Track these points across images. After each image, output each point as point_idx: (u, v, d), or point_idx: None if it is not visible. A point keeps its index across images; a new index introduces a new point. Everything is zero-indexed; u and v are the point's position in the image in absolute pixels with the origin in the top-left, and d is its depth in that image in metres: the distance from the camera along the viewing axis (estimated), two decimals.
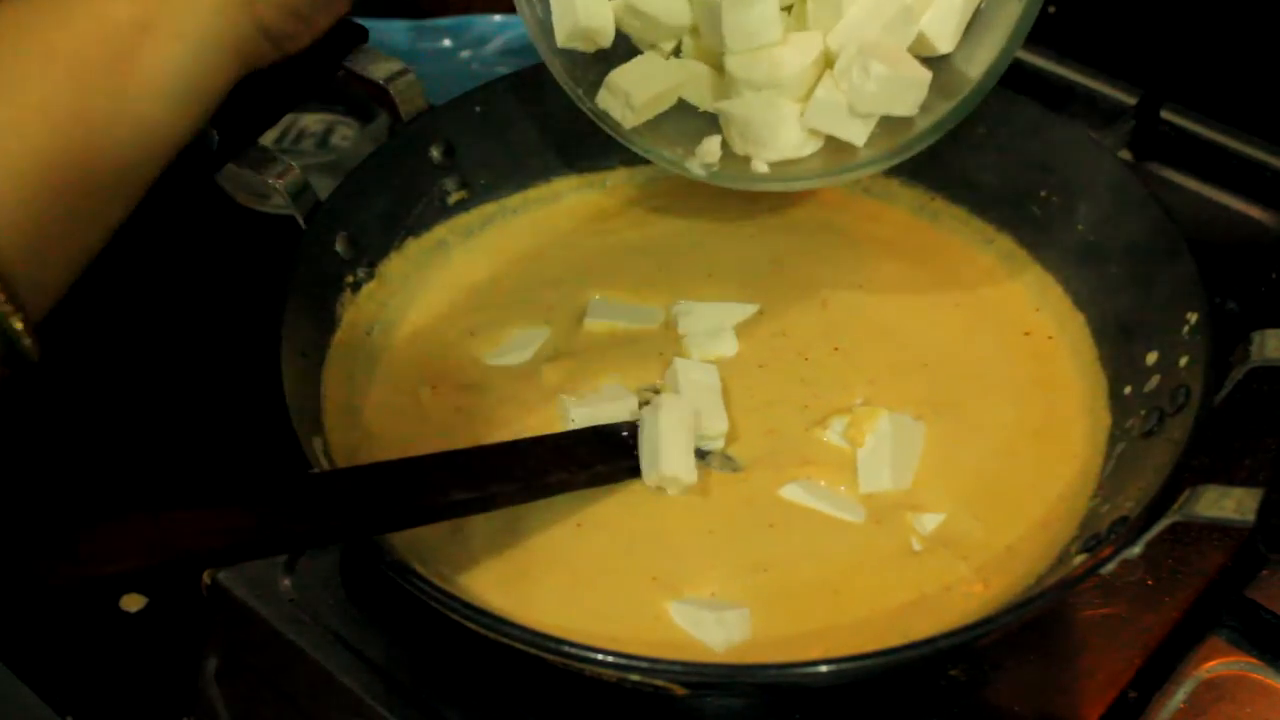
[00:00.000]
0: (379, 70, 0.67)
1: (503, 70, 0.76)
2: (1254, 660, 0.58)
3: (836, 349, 0.67)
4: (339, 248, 0.66)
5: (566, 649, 0.48)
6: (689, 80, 0.65)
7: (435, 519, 0.56)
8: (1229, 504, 0.49)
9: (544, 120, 0.74)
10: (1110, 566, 0.51)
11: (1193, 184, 0.81)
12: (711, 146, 0.64)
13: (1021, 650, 0.58)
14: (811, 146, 0.63)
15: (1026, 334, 0.68)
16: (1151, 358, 0.61)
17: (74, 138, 0.45)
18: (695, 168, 0.64)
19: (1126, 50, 0.84)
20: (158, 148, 0.48)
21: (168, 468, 0.70)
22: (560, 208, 0.75)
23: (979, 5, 0.61)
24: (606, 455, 0.61)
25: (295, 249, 0.63)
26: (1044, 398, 0.64)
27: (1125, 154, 0.82)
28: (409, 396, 0.65)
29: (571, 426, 0.62)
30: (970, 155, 0.71)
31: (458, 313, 0.69)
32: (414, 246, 0.71)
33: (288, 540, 0.53)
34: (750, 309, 0.69)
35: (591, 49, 0.64)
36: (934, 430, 0.63)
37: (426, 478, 0.56)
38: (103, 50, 0.46)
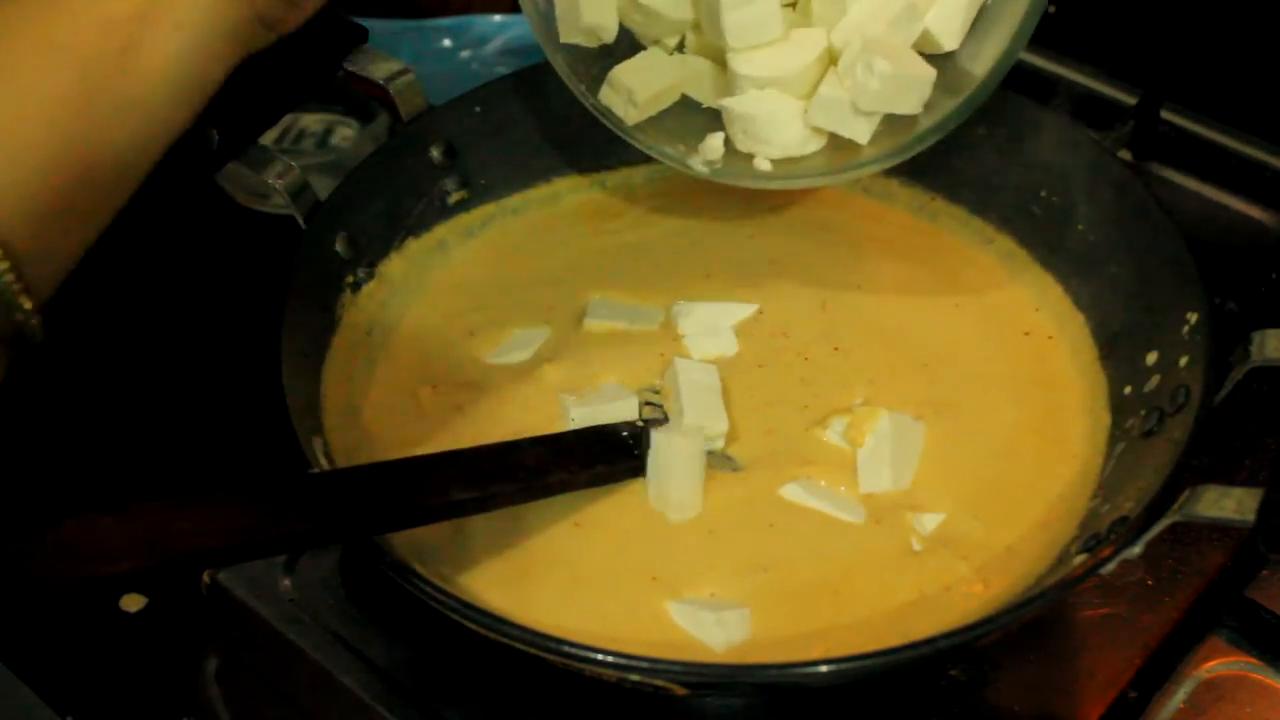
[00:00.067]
0: (379, 70, 0.67)
1: (503, 70, 0.76)
2: (1254, 660, 0.58)
3: (836, 349, 0.67)
4: (339, 248, 0.66)
5: (566, 649, 0.48)
6: (692, 76, 0.65)
7: (435, 519, 0.56)
8: (1229, 504, 0.49)
9: (544, 120, 0.74)
10: (1110, 566, 0.51)
11: (1193, 184, 0.81)
12: (714, 144, 0.64)
13: (1021, 650, 0.58)
14: (815, 144, 0.63)
15: (1026, 334, 0.68)
16: (1151, 358, 0.61)
17: (77, 126, 0.46)
18: (698, 165, 0.64)
19: (1126, 50, 0.84)
20: (159, 135, 0.49)
21: (168, 467, 0.70)
22: (560, 208, 0.75)
23: (984, 2, 0.61)
24: (606, 455, 0.61)
25: (295, 249, 0.63)
26: (1044, 398, 0.64)
27: (1125, 154, 0.82)
28: (409, 396, 0.65)
29: (571, 426, 0.62)
30: (970, 155, 0.71)
31: (458, 313, 0.69)
32: (414, 246, 0.71)
33: (288, 540, 0.53)
34: (750, 309, 0.69)
35: (594, 44, 0.64)
36: (934, 430, 0.63)
37: (426, 478, 0.56)
38: (104, 42, 0.46)
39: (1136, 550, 0.51)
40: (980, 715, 0.57)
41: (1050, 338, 0.67)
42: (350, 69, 0.67)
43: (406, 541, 0.57)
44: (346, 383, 0.64)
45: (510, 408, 0.64)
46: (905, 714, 0.58)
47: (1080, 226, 0.68)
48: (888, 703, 0.58)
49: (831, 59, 0.62)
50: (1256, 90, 0.80)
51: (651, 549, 0.58)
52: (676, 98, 0.65)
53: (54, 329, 0.49)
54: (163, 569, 0.46)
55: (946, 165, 0.71)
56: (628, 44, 0.65)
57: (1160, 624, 0.59)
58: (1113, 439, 0.61)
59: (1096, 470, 0.60)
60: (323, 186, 0.66)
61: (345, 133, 0.87)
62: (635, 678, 0.49)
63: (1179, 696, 0.57)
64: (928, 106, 0.61)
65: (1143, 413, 0.60)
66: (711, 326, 0.67)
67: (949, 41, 0.61)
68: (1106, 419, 0.62)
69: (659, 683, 0.50)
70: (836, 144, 0.63)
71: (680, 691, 0.51)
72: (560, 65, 0.64)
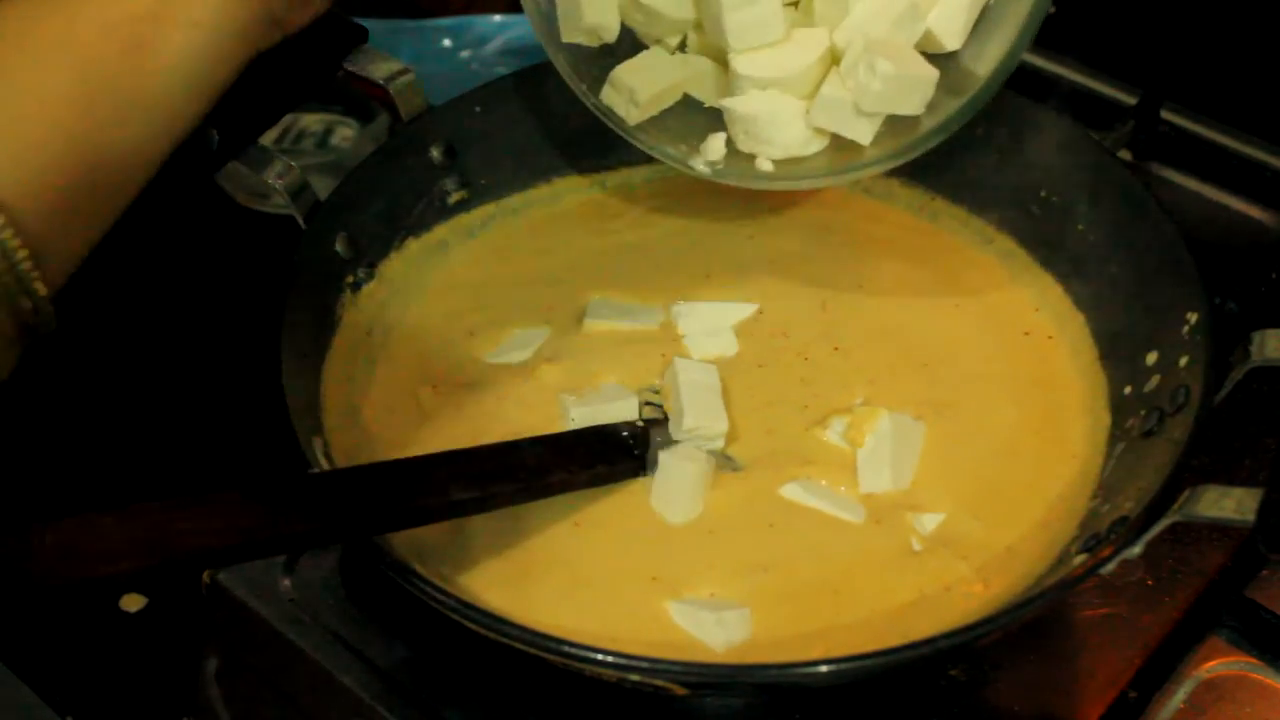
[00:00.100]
0: (379, 70, 0.67)
1: (503, 70, 0.76)
2: (1254, 660, 0.58)
3: (836, 349, 0.67)
4: (339, 248, 0.66)
5: (566, 649, 0.48)
6: (694, 76, 0.65)
7: (435, 519, 0.56)
8: (1229, 504, 0.49)
9: (544, 120, 0.74)
10: (1110, 566, 0.51)
11: (1193, 184, 0.81)
12: (716, 144, 0.64)
13: (1021, 650, 0.58)
14: (817, 145, 0.63)
15: (1026, 334, 0.68)
16: (1151, 358, 0.61)
17: (91, 119, 0.47)
18: (699, 165, 0.64)
19: (1126, 50, 0.84)
20: (170, 130, 0.49)
21: (168, 468, 0.70)
22: (560, 208, 0.75)
23: (987, 2, 0.61)
24: (606, 455, 0.61)
25: (295, 249, 0.63)
26: (1044, 398, 0.64)
27: (1125, 154, 0.82)
28: (409, 396, 0.65)
29: (571, 426, 0.62)
30: (970, 155, 0.71)
31: (458, 313, 0.69)
32: (414, 246, 0.71)
33: (288, 540, 0.53)
34: (750, 309, 0.69)
35: (596, 43, 0.64)
36: (934, 430, 0.63)
37: (426, 478, 0.56)
38: (117, 38, 0.47)
39: (1136, 550, 0.51)
40: (980, 715, 0.57)
41: (1050, 338, 0.67)
42: (350, 69, 0.67)
43: (406, 541, 0.57)
44: (346, 383, 0.64)
45: (510, 408, 0.64)
46: (905, 714, 0.58)
47: (1080, 226, 0.68)
48: (888, 703, 0.58)
49: (834, 59, 0.62)
50: (1256, 90, 0.81)
51: (651, 549, 0.58)
52: (678, 97, 0.65)
53: (55, 328, 0.49)
54: (163, 569, 0.46)
55: (946, 165, 0.71)
56: (630, 43, 0.65)
57: (1160, 624, 0.59)
58: (1113, 439, 0.61)
59: (1096, 470, 0.60)
60: (323, 186, 0.66)
61: (345, 133, 0.87)
62: (635, 678, 0.49)
63: (1179, 696, 0.57)
64: (930, 107, 0.61)
65: (1143, 413, 0.60)
66: (711, 326, 0.67)
67: (951, 41, 0.61)
68: (1106, 419, 0.62)
69: (659, 683, 0.50)
70: (839, 145, 0.63)
71: (680, 691, 0.51)
72: (562, 65, 0.64)
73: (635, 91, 0.63)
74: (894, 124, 0.62)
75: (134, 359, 0.75)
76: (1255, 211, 0.80)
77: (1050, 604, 0.55)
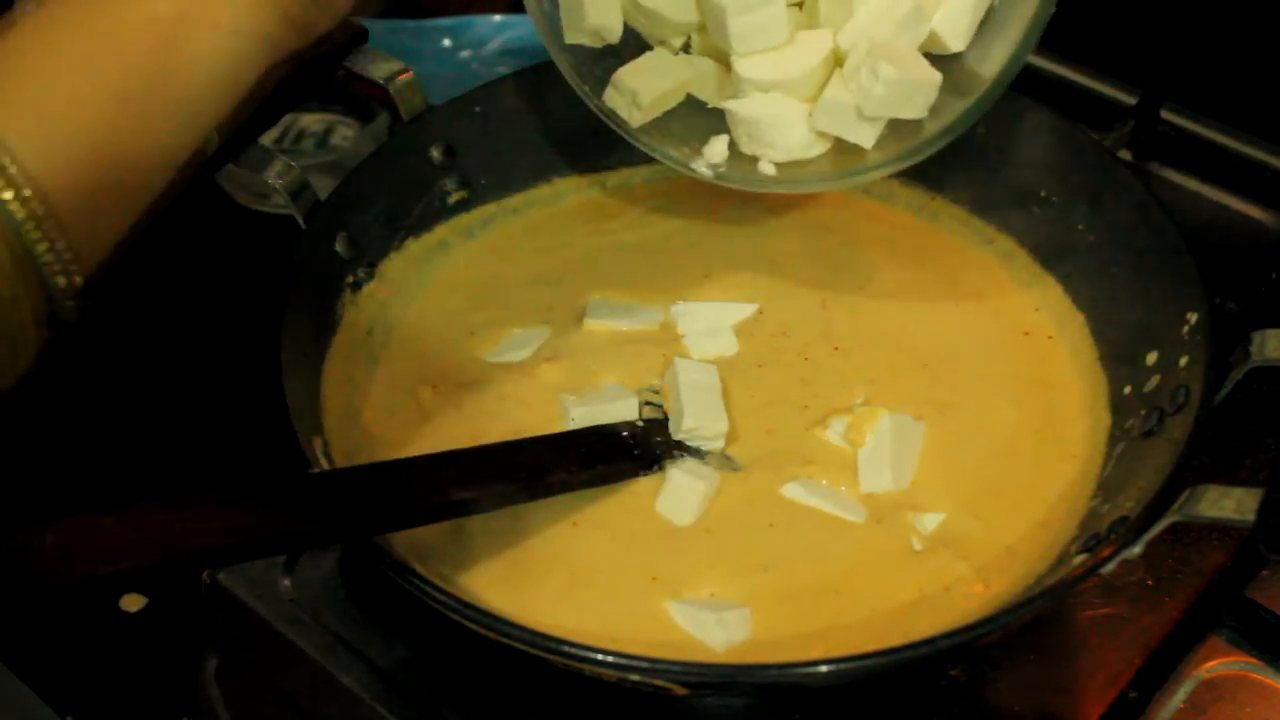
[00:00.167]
0: (379, 70, 0.67)
1: (503, 70, 0.76)
2: (1254, 660, 0.58)
3: (836, 349, 0.67)
4: (339, 248, 0.66)
5: (566, 649, 0.48)
6: (697, 77, 0.65)
7: (435, 519, 0.56)
8: (1229, 504, 0.49)
9: (544, 120, 0.74)
10: (1110, 566, 0.51)
11: (1193, 184, 0.81)
12: (719, 147, 0.63)
13: (1021, 650, 0.58)
14: (819, 148, 0.63)
15: (1026, 334, 0.68)
16: (1151, 358, 0.61)
17: (120, 116, 0.48)
18: (702, 168, 0.64)
19: (1126, 50, 0.84)
20: (195, 130, 0.51)
21: (168, 468, 0.70)
22: (560, 208, 0.75)
23: (992, 3, 0.61)
24: (607, 455, 0.61)
25: (295, 249, 0.63)
26: (1044, 398, 0.64)
27: (1125, 154, 0.82)
28: (409, 396, 0.65)
29: (571, 426, 0.62)
30: (970, 155, 0.71)
31: (458, 313, 0.69)
32: (414, 246, 0.71)
33: (288, 540, 0.53)
34: (749, 309, 0.69)
35: (599, 45, 0.64)
36: (934, 430, 0.63)
37: (426, 478, 0.56)
38: (147, 38, 0.48)
39: (1136, 550, 0.51)
40: (980, 715, 0.57)
41: (1050, 338, 0.67)
42: (350, 69, 0.67)
43: (406, 541, 0.57)
44: (346, 383, 0.64)
45: (510, 407, 0.64)
46: (905, 714, 0.58)
47: (1080, 226, 0.68)
48: (888, 703, 0.58)
49: (837, 60, 0.61)
50: (1256, 90, 0.81)
51: (651, 549, 0.58)
52: (681, 99, 0.65)
53: (74, 320, 0.49)
54: (163, 569, 0.46)
55: (947, 165, 0.71)
56: (633, 44, 0.65)
57: (1160, 624, 0.59)
58: (1113, 439, 0.61)
59: (1096, 470, 0.60)
60: (323, 186, 0.66)
61: (345, 133, 0.87)
62: (635, 678, 0.49)
63: (1179, 696, 0.57)
64: (934, 110, 0.61)
65: (1143, 413, 0.60)
66: (711, 326, 0.67)
67: (956, 43, 0.61)
68: (1106, 419, 0.62)
69: (659, 683, 0.50)
70: (842, 148, 0.63)
71: (680, 691, 0.51)
72: (565, 66, 0.63)
73: (638, 94, 0.63)
74: (897, 127, 0.62)
75: (134, 359, 0.75)
76: (1255, 211, 0.80)
77: (1050, 604, 0.55)
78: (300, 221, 0.65)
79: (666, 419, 0.63)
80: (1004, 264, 0.71)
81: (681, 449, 0.62)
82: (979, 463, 0.62)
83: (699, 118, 0.65)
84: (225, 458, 0.68)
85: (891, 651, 0.49)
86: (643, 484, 0.61)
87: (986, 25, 0.61)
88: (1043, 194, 0.70)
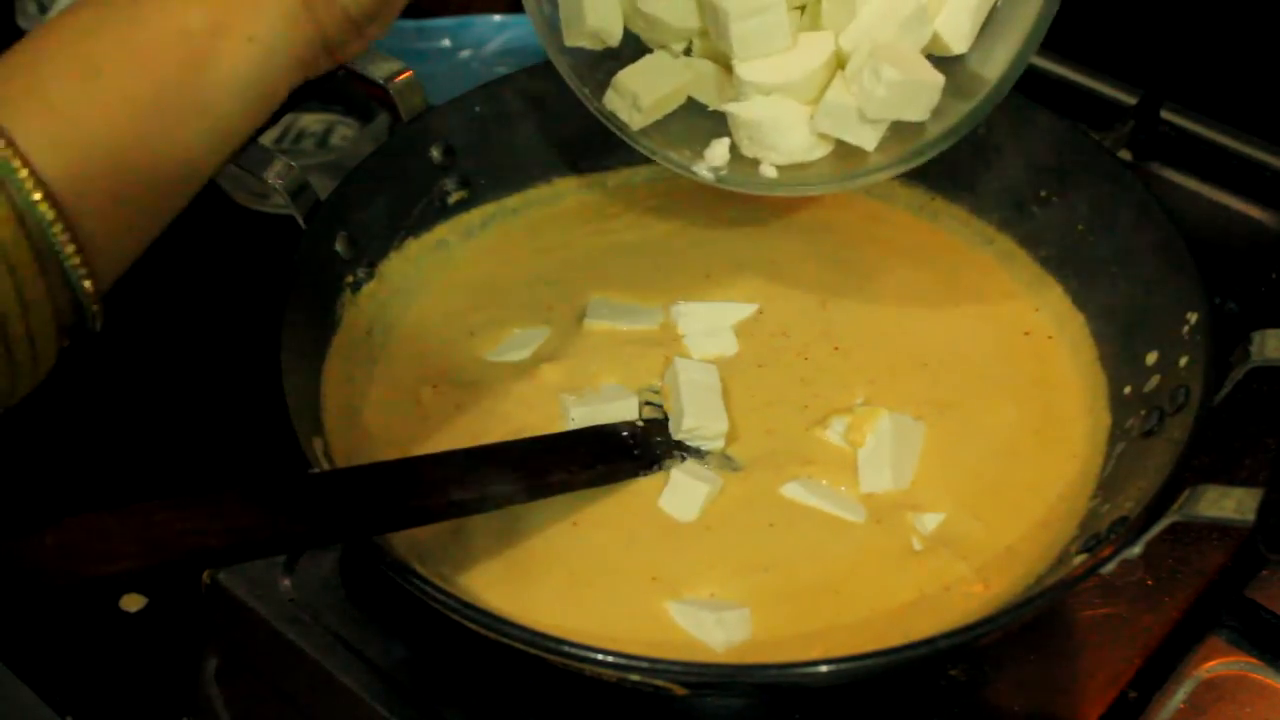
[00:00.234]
0: (379, 70, 0.67)
1: (503, 70, 0.76)
2: (1254, 660, 0.58)
3: (836, 349, 0.67)
4: (339, 248, 0.66)
5: (566, 649, 0.48)
6: (697, 80, 0.64)
7: (435, 519, 0.56)
8: (1229, 504, 0.49)
9: (544, 120, 0.74)
10: (1110, 566, 0.51)
11: (1193, 184, 0.81)
12: (720, 150, 0.63)
13: (1021, 650, 0.58)
14: (821, 150, 0.63)
15: (1026, 334, 0.68)
16: (1151, 358, 0.61)
17: (148, 125, 0.48)
18: (703, 171, 0.64)
19: (1126, 50, 0.84)
20: (224, 143, 0.51)
21: (168, 467, 0.70)
22: (560, 208, 0.75)
23: (994, 6, 0.61)
24: (607, 455, 0.61)
25: (295, 249, 0.63)
26: (1044, 398, 0.64)
27: (1125, 154, 0.82)
28: (409, 396, 0.65)
29: (571, 426, 0.62)
30: (970, 155, 0.71)
31: (458, 313, 0.69)
32: (414, 246, 0.71)
33: (288, 540, 0.53)
34: (749, 309, 0.69)
35: (599, 48, 0.64)
36: (934, 430, 0.63)
37: (426, 478, 0.56)
38: (177, 49, 0.49)
39: (1136, 550, 0.51)
40: (980, 715, 0.57)
41: (1050, 338, 0.67)
42: (350, 69, 0.67)
43: (406, 541, 0.57)
44: (346, 383, 0.64)
45: (510, 407, 0.64)
46: (905, 714, 0.58)
47: (1080, 226, 0.68)
48: (888, 703, 0.58)
49: (840, 62, 0.61)
50: (1256, 90, 0.80)
51: (651, 549, 0.58)
52: (682, 101, 0.65)
53: (100, 329, 0.49)
54: (163, 569, 0.46)
55: (946, 165, 0.71)
56: (633, 47, 0.64)
57: (1160, 624, 0.59)
58: (1113, 439, 0.61)
59: (1096, 470, 0.60)
60: (323, 186, 0.66)
61: (345, 133, 0.87)
62: (635, 678, 0.49)
63: (1179, 696, 0.57)
64: (936, 112, 0.61)
65: (1143, 413, 0.60)
66: (711, 326, 0.67)
67: (958, 45, 0.61)
68: (1106, 419, 0.62)
69: (659, 683, 0.50)
70: (843, 151, 0.63)
71: (680, 691, 0.51)
72: (565, 69, 0.63)
73: (638, 96, 0.62)
74: (899, 130, 0.62)
75: (134, 359, 0.75)
76: (1255, 211, 0.80)
77: (1050, 604, 0.55)
78: (300, 221, 0.65)
79: (666, 419, 0.63)
80: (1004, 264, 0.71)
81: (682, 449, 0.62)
82: (979, 463, 0.61)
83: (700, 120, 0.65)
84: (225, 458, 0.68)
85: (891, 651, 0.49)
86: (643, 484, 0.61)
87: (989, 27, 0.61)
88: (1043, 194, 0.70)
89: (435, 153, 0.71)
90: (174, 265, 0.78)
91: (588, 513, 0.60)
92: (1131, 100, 0.83)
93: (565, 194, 0.76)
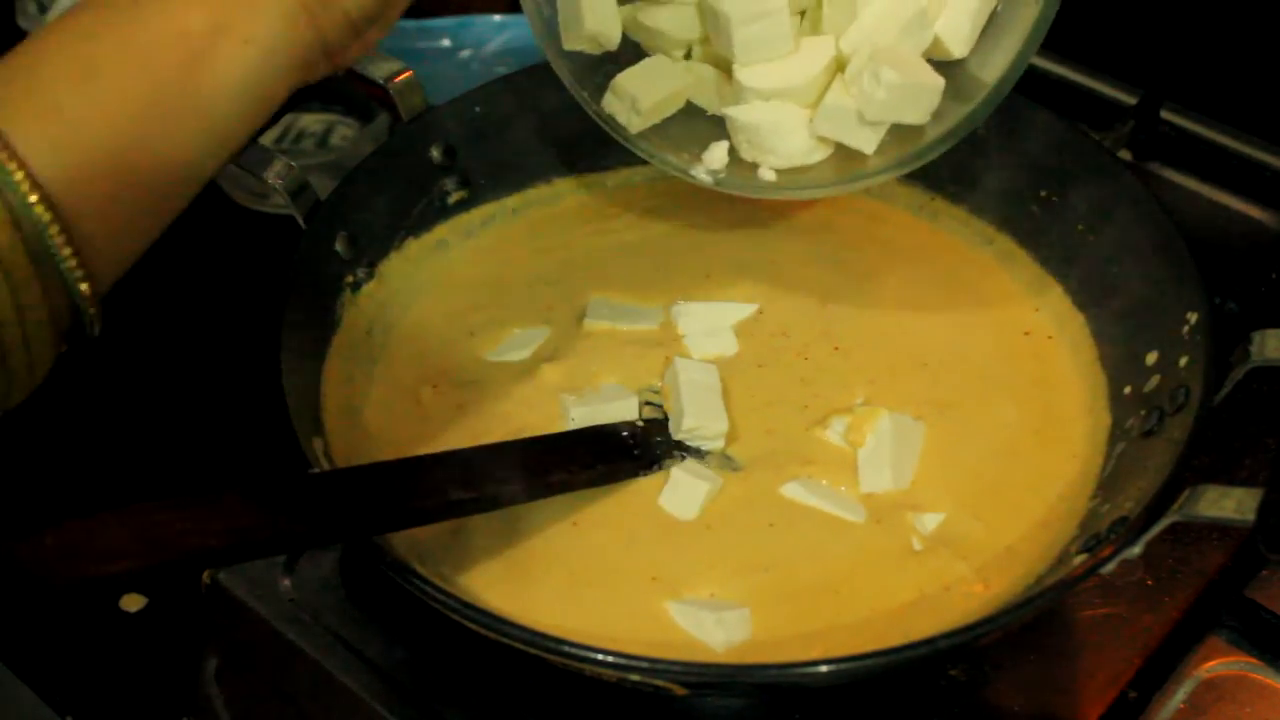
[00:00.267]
0: (379, 70, 0.67)
1: (503, 70, 0.76)
2: (1254, 660, 0.58)
3: (836, 349, 0.67)
4: (339, 248, 0.66)
5: (566, 649, 0.48)
6: (697, 83, 0.64)
7: (435, 519, 0.56)
8: (1229, 504, 0.49)
9: (544, 121, 0.74)
10: (1110, 566, 0.51)
11: (1193, 184, 0.81)
12: (718, 153, 0.63)
13: (1021, 650, 0.58)
14: (820, 154, 0.63)
15: (1026, 334, 0.68)
16: (1151, 358, 0.61)
17: (146, 127, 0.48)
18: (701, 174, 0.64)
19: (1126, 50, 0.84)
20: (223, 145, 0.51)
21: (168, 468, 0.70)
22: (560, 208, 0.75)
23: (995, 8, 0.61)
24: (607, 455, 0.61)
25: (295, 249, 0.63)
26: (1044, 398, 0.64)
27: (1125, 154, 0.82)
28: (409, 396, 0.65)
29: (571, 426, 0.62)
30: (970, 155, 0.71)
31: (458, 313, 0.70)
32: (414, 246, 0.71)
33: (288, 540, 0.53)
34: (749, 309, 0.69)
35: (598, 51, 0.64)
36: (934, 430, 0.63)
37: (426, 478, 0.56)
38: (176, 51, 0.48)
39: (1136, 550, 0.51)
40: (980, 715, 0.57)
41: (1050, 338, 0.67)
42: (350, 69, 0.67)
43: (406, 541, 0.57)
44: (346, 383, 0.64)
45: (510, 407, 0.64)
46: (905, 714, 0.58)
47: (1080, 226, 0.68)
48: (888, 703, 0.58)
49: (840, 65, 0.61)
50: (1256, 90, 0.80)
51: (651, 549, 0.58)
52: (681, 105, 0.65)
53: (99, 333, 0.49)
54: (163, 569, 0.46)
55: (946, 165, 0.71)
56: (633, 50, 0.64)
57: (1160, 624, 0.59)
58: (1113, 439, 0.61)
59: (1096, 470, 0.60)
60: (323, 186, 0.66)
61: (345, 133, 0.87)
62: (635, 678, 0.49)
63: (1179, 696, 0.57)
64: (935, 115, 0.60)
65: (1143, 413, 0.60)
66: (711, 326, 0.67)
67: (959, 48, 0.60)
68: (1106, 419, 0.62)
69: (659, 683, 0.50)
70: (843, 154, 0.63)
71: (680, 691, 0.51)
72: (564, 72, 0.63)
73: (637, 99, 0.62)
74: (898, 133, 0.62)
75: (134, 359, 0.75)
76: (1255, 211, 0.80)
77: (1050, 604, 0.55)
78: (300, 221, 0.65)
79: (666, 419, 0.63)
80: (1004, 264, 0.71)
81: (682, 449, 0.62)
82: (979, 463, 0.62)
83: (699, 124, 0.65)
84: (225, 458, 0.68)
85: (891, 651, 0.49)
86: (643, 484, 0.61)
87: (988, 30, 0.61)
88: (1043, 194, 0.70)
89: (435, 153, 0.71)
90: (174, 265, 0.78)
91: (588, 513, 0.60)
92: (1131, 100, 0.83)
93: (565, 194, 0.76)
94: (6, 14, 0.94)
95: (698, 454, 0.62)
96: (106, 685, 0.62)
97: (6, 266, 0.44)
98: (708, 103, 0.65)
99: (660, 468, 0.61)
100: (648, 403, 0.64)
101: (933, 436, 0.62)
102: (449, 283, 0.71)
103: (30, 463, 0.70)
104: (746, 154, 0.63)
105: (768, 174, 0.63)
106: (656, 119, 0.64)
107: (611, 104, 0.63)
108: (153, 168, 0.49)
